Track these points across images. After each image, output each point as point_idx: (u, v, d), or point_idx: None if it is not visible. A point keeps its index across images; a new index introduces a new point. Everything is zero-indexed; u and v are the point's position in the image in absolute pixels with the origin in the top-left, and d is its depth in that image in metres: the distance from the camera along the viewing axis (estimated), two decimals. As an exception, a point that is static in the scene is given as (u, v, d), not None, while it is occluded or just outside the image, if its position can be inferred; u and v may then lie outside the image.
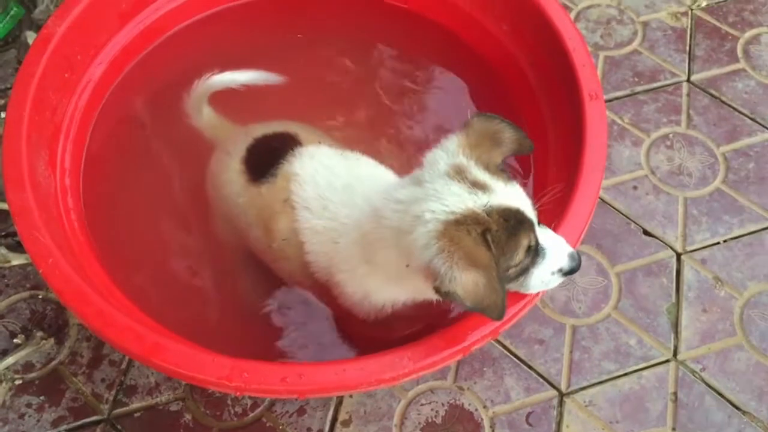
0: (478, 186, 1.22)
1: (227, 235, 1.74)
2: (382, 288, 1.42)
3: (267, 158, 1.58)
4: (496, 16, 1.97)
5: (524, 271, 1.30)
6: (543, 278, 1.32)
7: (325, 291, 1.54)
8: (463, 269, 1.16)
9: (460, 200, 1.20)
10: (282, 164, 1.56)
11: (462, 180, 1.23)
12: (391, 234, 1.27)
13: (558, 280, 1.34)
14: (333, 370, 1.34)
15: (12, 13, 2.19)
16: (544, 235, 1.31)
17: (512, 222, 1.21)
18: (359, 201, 1.42)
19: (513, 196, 1.24)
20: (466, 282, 1.17)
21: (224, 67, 1.75)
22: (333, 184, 1.49)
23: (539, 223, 1.31)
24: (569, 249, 1.33)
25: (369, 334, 1.67)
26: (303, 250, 1.50)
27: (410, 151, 1.96)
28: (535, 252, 1.28)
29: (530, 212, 1.26)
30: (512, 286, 1.33)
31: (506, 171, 1.31)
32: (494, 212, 1.20)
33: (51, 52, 1.68)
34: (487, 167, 1.26)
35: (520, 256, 1.25)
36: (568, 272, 1.34)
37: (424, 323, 1.67)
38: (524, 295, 1.39)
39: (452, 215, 1.19)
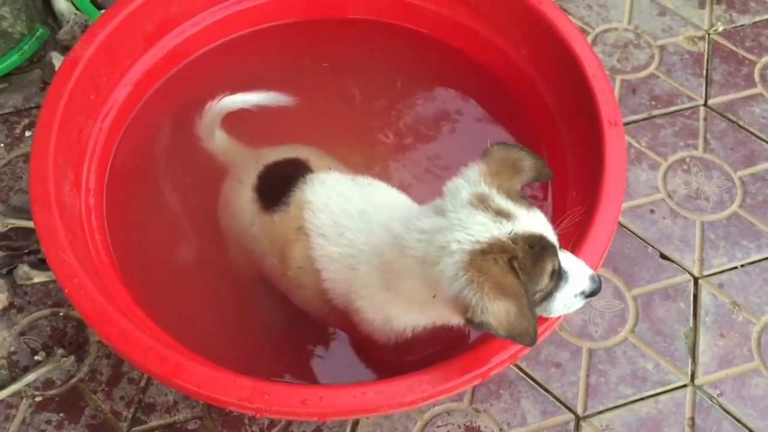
0: (501, 214, 1.23)
1: (242, 262, 1.74)
2: (404, 314, 1.42)
3: (279, 186, 1.58)
4: (515, 42, 1.98)
5: (548, 295, 1.31)
6: (566, 302, 1.33)
7: (343, 317, 1.54)
8: (493, 299, 1.16)
9: (485, 229, 1.21)
10: (294, 192, 1.55)
11: (486, 209, 1.23)
12: (416, 264, 1.27)
13: (580, 302, 1.35)
14: (353, 393, 1.35)
15: (38, 34, 2.23)
16: (566, 258, 1.32)
17: (537, 248, 1.22)
18: (376, 228, 1.42)
19: (536, 222, 1.25)
20: (497, 312, 1.17)
21: (246, 90, 1.76)
22: (348, 211, 1.48)
23: (560, 247, 1.32)
24: (590, 271, 1.35)
25: (387, 357, 1.67)
26: (319, 278, 1.49)
27: (428, 178, 1.97)
28: (558, 276, 1.29)
29: (553, 237, 1.27)
30: (535, 311, 1.33)
31: (526, 198, 1.32)
32: (519, 239, 1.21)
33: (78, 75, 1.71)
34: (509, 195, 1.27)
35: (545, 281, 1.26)
36: (590, 294, 1.35)
37: (443, 345, 1.67)
38: (545, 319, 1.40)
39: (478, 245, 1.19)
